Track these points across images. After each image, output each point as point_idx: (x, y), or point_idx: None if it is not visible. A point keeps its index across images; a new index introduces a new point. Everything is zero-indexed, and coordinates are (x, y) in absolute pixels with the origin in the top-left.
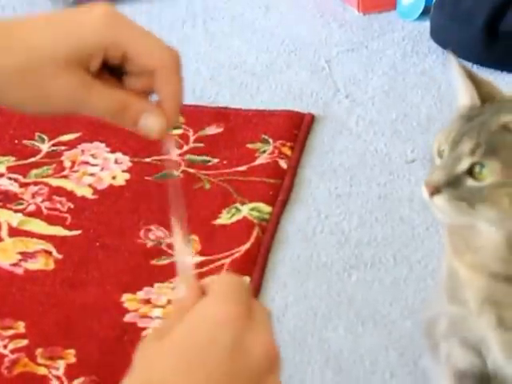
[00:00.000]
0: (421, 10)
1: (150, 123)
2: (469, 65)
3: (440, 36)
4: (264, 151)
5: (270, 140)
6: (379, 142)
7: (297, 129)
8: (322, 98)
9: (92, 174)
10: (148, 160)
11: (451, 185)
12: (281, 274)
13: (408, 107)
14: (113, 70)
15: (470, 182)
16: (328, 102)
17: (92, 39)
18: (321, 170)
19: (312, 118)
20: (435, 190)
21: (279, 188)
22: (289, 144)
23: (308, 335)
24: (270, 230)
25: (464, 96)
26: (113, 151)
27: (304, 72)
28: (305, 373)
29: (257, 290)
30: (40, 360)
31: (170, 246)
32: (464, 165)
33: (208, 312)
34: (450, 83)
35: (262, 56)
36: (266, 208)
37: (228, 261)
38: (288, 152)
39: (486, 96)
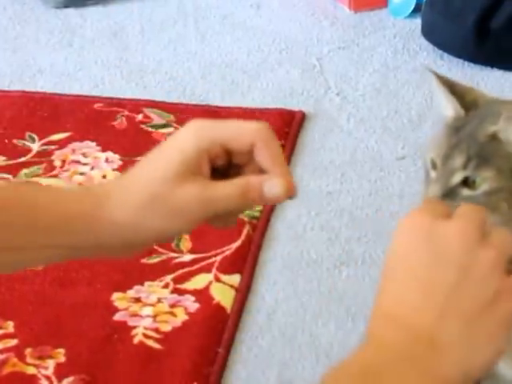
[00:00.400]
0: (412, 8)
1: (274, 188)
2: (460, 62)
3: (431, 33)
4: None
5: None
6: (370, 139)
7: (288, 126)
8: (313, 95)
9: (82, 173)
10: (138, 159)
11: (448, 197)
12: (271, 272)
13: (399, 104)
14: (223, 175)
15: (465, 192)
16: (319, 99)
17: (191, 148)
18: (312, 167)
19: (303, 116)
20: None
21: None
22: (280, 142)
23: (298, 332)
24: (260, 227)
25: (447, 109)
26: (103, 150)
27: (295, 70)
28: (295, 369)
29: (247, 287)
30: (29, 360)
31: (160, 245)
32: (457, 178)
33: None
34: None
35: (253, 54)
36: (257, 206)
37: (219, 258)
38: None
39: (469, 104)
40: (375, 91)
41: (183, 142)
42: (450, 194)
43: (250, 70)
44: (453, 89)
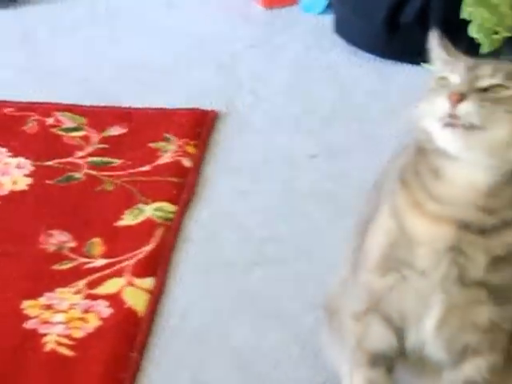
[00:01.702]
0: (324, 4)
1: None
2: (371, 57)
3: (343, 29)
4: (167, 150)
5: (174, 139)
6: (282, 138)
7: (200, 126)
8: (226, 94)
9: None
10: (50, 163)
11: (473, 94)
12: (184, 274)
13: (311, 101)
14: None
15: (489, 94)
16: (232, 98)
17: None
18: (224, 167)
19: (215, 115)
20: (460, 97)
21: (183, 187)
22: (192, 142)
23: (211, 333)
24: (173, 229)
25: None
26: (14, 156)
27: (208, 69)
28: (209, 371)
29: (160, 290)
30: None
31: (71, 250)
32: (483, 83)
33: None
34: (352, 77)
35: (166, 54)
36: (170, 207)
37: (132, 262)
38: (191, 150)
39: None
40: (288, 89)
41: None
42: (473, 92)
43: (162, 70)
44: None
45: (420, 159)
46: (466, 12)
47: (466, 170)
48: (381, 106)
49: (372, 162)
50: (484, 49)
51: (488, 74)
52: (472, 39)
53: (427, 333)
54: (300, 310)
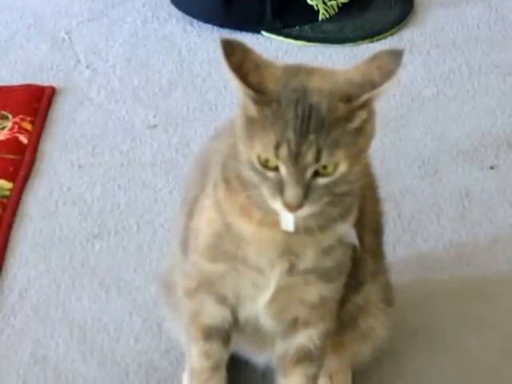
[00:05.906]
0: None
1: None
2: (209, 27)
3: (179, 0)
4: (4, 127)
5: (10, 116)
6: (121, 110)
7: (37, 102)
8: (63, 69)
9: None
10: None
11: (308, 193)
12: (23, 250)
13: (149, 73)
14: None
15: (321, 181)
16: (69, 73)
17: None
18: (62, 142)
19: (53, 91)
20: (298, 207)
21: (20, 163)
22: (29, 118)
23: (52, 308)
24: (11, 206)
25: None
26: None
27: (44, 45)
28: (49, 346)
29: None
30: None
31: None
32: (310, 172)
33: None
34: (190, 47)
35: (1, 31)
36: (7, 184)
37: None
38: (28, 126)
39: (256, 86)
40: (125, 61)
41: None
42: (308, 190)
43: None
44: (240, 71)
45: (240, 169)
46: None
47: None
48: (220, 75)
49: (213, 131)
50: (321, 16)
51: (312, 160)
52: (310, 6)
53: (259, 307)
54: (142, 281)
